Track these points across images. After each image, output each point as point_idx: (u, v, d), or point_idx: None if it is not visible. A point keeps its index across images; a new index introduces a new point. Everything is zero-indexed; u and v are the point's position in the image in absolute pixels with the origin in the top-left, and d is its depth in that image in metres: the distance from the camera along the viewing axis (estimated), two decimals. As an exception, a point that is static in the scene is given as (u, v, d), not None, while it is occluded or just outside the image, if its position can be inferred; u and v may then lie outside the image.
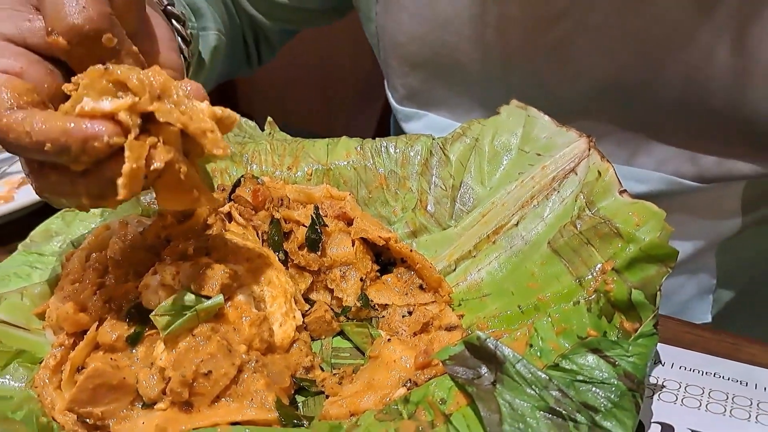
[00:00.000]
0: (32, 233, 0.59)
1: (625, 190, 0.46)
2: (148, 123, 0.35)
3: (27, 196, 0.73)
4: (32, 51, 0.37)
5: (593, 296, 0.40)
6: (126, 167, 0.33)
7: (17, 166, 0.82)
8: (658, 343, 0.47)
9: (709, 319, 0.66)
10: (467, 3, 0.60)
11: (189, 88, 0.37)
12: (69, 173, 0.35)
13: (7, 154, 0.88)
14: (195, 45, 0.67)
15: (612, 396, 0.34)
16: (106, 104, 0.34)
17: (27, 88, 0.36)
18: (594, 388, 0.34)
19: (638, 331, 0.36)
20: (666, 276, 0.38)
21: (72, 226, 0.58)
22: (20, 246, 0.58)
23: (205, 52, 0.71)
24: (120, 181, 0.33)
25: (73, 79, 0.36)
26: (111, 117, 0.34)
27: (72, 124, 0.33)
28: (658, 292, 0.37)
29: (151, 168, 0.34)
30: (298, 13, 0.79)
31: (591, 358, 0.35)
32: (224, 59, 0.76)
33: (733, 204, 0.61)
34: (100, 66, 0.35)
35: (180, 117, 0.35)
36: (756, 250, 0.65)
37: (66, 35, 0.35)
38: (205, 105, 0.36)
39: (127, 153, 0.33)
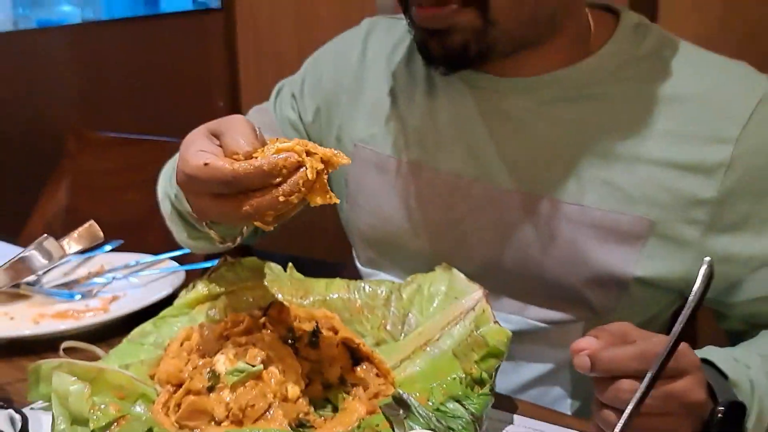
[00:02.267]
0: (132, 332, 0.91)
1: (497, 321, 0.79)
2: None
3: (119, 309, 1.06)
4: None
5: (464, 375, 0.72)
6: (309, 167, 0.62)
7: (108, 288, 1.16)
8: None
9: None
10: (400, 206, 0.94)
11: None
12: (268, 188, 0.61)
13: (99, 281, 1.21)
14: None
15: (464, 423, 0.65)
16: (288, 143, 0.63)
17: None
18: (455, 419, 0.66)
19: (481, 392, 0.68)
20: (498, 364, 0.71)
21: (161, 329, 0.91)
22: (125, 340, 0.90)
23: None
24: (307, 173, 0.62)
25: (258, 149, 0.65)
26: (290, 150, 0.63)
27: (278, 155, 0.61)
28: (494, 373, 0.70)
29: (318, 170, 0.63)
30: None
31: (454, 405, 0.67)
32: None
33: (577, 337, 0.92)
34: (271, 136, 0.68)
35: (320, 149, 0.66)
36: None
37: (244, 155, 0.63)
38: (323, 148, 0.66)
39: (307, 161, 0.63)
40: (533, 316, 0.90)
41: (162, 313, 0.92)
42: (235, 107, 3.22)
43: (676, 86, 0.79)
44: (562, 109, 0.82)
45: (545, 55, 0.81)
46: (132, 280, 1.20)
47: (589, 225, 0.81)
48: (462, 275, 0.88)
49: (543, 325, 0.89)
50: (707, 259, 0.57)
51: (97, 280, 1.20)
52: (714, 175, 0.76)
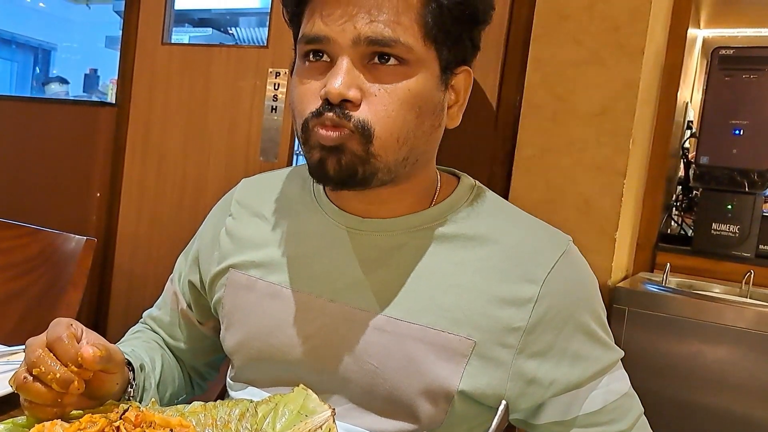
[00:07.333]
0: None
1: (340, 441, 0.87)
2: None
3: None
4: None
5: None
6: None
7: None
8: None
9: None
10: (263, 322, 1.05)
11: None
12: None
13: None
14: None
15: None
16: None
17: None
18: None
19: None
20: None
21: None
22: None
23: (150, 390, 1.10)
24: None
25: None
26: None
27: None
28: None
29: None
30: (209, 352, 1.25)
31: None
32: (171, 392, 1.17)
33: None
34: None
35: None
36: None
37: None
38: None
39: None
40: (373, 426, 1.00)
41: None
42: (114, 200, 3.20)
43: (500, 233, 0.98)
44: (411, 244, 1.01)
45: (400, 200, 1.01)
46: (-19, 370, 1.17)
47: (425, 342, 0.95)
48: (315, 395, 0.95)
49: None
50: (504, 402, 0.69)
51: (-58, 366, 1.16)
52: (524, 308, 0.92)
